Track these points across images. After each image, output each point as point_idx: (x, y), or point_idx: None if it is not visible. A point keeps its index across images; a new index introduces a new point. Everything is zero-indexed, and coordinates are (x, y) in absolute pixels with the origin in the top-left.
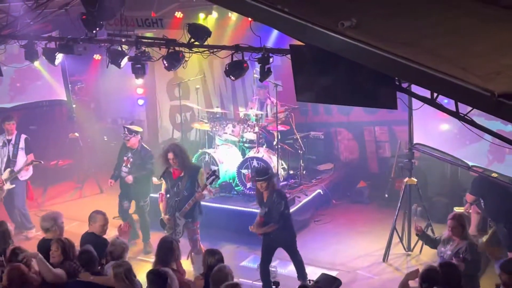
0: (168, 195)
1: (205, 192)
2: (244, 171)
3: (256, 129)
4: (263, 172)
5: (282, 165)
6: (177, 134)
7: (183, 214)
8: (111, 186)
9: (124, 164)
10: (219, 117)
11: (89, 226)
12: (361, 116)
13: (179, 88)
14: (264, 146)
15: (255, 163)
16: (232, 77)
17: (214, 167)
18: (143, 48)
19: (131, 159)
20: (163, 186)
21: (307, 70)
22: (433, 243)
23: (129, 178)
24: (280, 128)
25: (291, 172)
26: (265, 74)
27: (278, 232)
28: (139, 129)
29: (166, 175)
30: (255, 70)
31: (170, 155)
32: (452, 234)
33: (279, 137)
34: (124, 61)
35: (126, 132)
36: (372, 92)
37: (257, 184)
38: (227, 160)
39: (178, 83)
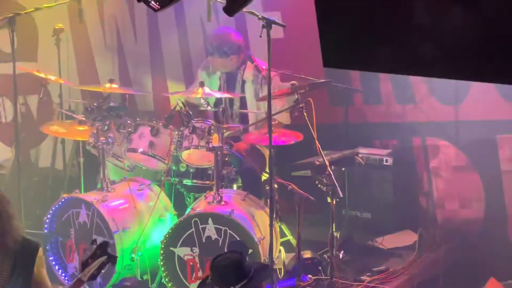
0: None
1: None
2: (180, 251)
3: (216, 140)
4: (236, 271)
5: (283, 235)
6: (4, 152)
7: None
8: None
9: None
10: (116, 108)
11: None
12: (491, 107)
13: (11, 32)
14: (234, 186)
15: (211, 230)
16: (153, 3)
17: (101, 239)
18: None
19: None
20: None
21: None
22: None
23: None
24: (278, 139)
25: (307, 255)
26: None
27: None
28: None
29: None
30: None
31: None
32: None
33: (275, 164)
34: None
35: None
36: None
37: None
38: (137, 220)
39: (9, 18)
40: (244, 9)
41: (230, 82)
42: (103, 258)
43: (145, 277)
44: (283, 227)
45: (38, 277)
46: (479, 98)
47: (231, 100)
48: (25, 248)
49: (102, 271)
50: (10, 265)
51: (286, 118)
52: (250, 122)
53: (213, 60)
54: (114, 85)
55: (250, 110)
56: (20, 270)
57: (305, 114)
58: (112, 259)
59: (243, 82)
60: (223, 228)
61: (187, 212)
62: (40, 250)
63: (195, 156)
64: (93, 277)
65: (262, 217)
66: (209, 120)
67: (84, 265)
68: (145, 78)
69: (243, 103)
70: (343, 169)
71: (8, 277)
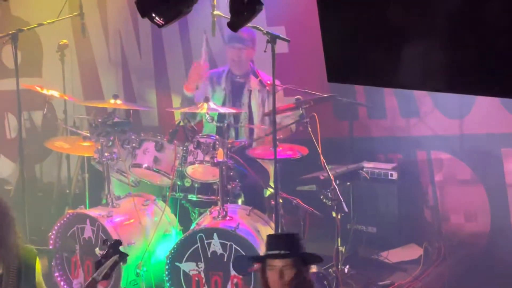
0: None
1: None
2: (185, 266)
3: (221, 155)
4: (288, 241)
5: None
6: (9, 168)
7: None
8: None
9: None
10: (121, 124)
11: None
12: (495, 120)
13: (13, 47)
14: (239, 201)
15: (216, 245)
16: (158, 18)
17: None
18: None
19: None
20: None
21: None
22: None
23: None
24: (284, 152)
25: (312, 269)
26: (243, 8)
27: None
28: None
29: None
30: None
31: None
32: None
33: (278, 178)
34: None
35: None
36: None
37: (271, 268)
38: (143, 236)
39: (12, 35)
40: (249, 24)
41: (235, 93)
42: (116, 257)
43: None
44: None
45: (39, 285)
46: (484, 111)
47: (236, 114)
48: (26, 258)
49: (115, 270)
50: (15, 276)
51: (286, 132)
52: (256, 137)
53: (227, 49)
54: (119, 101)
55: (255, 126)
56: (25, 281)
57: (310, 129)
58: (124, 257)
59: (250, 92)
60: (229, 243)
61: (192, 227)
62: (37, 257)
63: (200, 171)
64: (106, 276)
65: (267, 232)
66: (214, 135)
67: (98, 265)
68: (149, 92)
69: (250, 115)
70: (348, 183)
71: None
